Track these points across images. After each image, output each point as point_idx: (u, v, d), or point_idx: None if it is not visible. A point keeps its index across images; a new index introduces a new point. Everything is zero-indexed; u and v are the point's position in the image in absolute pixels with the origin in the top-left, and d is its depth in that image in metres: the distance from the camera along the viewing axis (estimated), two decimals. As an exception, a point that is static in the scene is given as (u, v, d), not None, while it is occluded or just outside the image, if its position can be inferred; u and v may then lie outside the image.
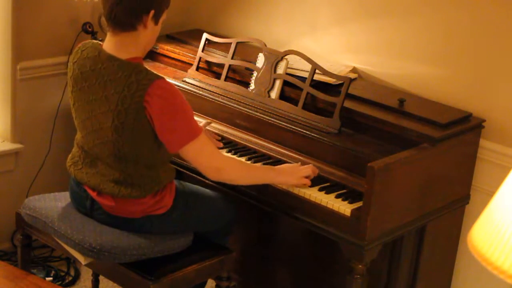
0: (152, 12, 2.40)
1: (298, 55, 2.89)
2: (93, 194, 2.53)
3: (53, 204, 2.67)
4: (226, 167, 2.51)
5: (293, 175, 2.61)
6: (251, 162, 2.78)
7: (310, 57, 2.86)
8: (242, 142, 2.96)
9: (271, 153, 2.87)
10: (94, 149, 2.49)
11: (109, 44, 2.44)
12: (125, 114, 2.35)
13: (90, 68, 2.42)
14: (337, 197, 2.56)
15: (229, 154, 2.86)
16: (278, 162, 2.79)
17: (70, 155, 2.62)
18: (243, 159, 2.82)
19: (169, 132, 2.38)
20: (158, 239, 2.53)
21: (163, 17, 2.48)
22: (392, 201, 2.50)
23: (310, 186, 2.62)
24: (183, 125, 2.39)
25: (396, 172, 2.47)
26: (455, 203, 2.85)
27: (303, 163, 2.75)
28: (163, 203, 2.53)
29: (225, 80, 3.09)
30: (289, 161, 2.79)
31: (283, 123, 2.86)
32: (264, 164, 2.76)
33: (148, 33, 2.44)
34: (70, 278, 3.43)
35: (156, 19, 2.44)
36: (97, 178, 2.50)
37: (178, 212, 2.57)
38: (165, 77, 2.44)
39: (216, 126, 3.08)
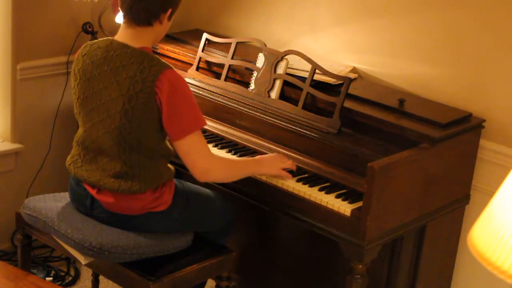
0: (169, 10, 2.49)
1: (298, 55, 2.89)
2: (92, 192, 2.54)
3: (53, 204, 2.67)
4: (213, 169, 2.53)
5: (272, 166, 2.66)
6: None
7: (310, 57, 2.86)
8: (242, 142, 2.96)
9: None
10: (98, 141, 2.50)
11: (122, 34, 2.51)
12: (136, 98, 2.40)
13: (101, 56, 2.48)
14: (337, 197, 2.56)
15: (229, 155, 2.86)
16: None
17: (69, 155, 2.63)
18: (243, 159, 2.82)
19: (176, 118, 2.42)
20: (158, 238, 2.53)
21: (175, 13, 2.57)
22: (392, 201, 2.50)
23: (310, 186, 2.62)
24: (190, 113, 2.45)
25: (396, 172, 2.47)
26: (455, 203, 2.85)
27: (303, 163, 2.76)
28: (162, 200, 2.54)
29: (225, 80, 3.09)
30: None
31: (283, 123, 2.86)
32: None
33: (161, 28, 2.53)
34: (70, 278, 3.43)
35: (170, 16, 2.53)
36: (97, 174, 2.51)
37: (177, 210, 2.58)
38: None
39: (216, 126, 3.08)
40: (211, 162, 2.52)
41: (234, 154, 2.86)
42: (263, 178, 2.69)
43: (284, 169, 2.68)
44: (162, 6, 2.47)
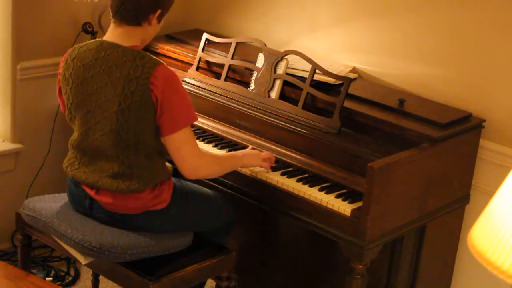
0: (158, 11, 2.50)
1: (298, 55, 2.89)
2: (91, 193, 2.54)
3: (52, 204, 2.67)
4: (203, 165, 2.55)
5: (254, 157, 2.72)
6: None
7: (310, 57, 2.86)
8: (242, 142, 2.96)
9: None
10: (95, 143, 2.50)
11: (112, 34, 2.52)
12: (131, 96, 2.40)
13: (93, 58, 2.48)
14: (337, 197, 2.56)
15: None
16: (277, 162, 2.79)
17: (65, 158, 2.63)
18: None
19: (170, 113, 2.43)
20: (158, 238, 2.53)
21: (166, 15, 2.57)
22: (392, 201, 2.50)
23: (310, 186, 2.62)
24: (183, 108, 2.46)
25: (396, 172, 2.47)
26: (455, 203, 2.85)
27: (303, 163, 2.76)
28: (161, 198, 2.54)
29: (225, 80, 3.09)
30: (289, 160, 2.79)
31: (283, 123, 2.86)
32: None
33: (150, 29, 2.54)
34: (70, 278, 3.43)
35: (160, 17, 2.54)
36: (95, 175, 2.51)
37: (176, 209, 2.58)
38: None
39: (216, 126, 3.08)
40: (201, 158, 2.54)
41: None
42: (263, 178, 2.69)
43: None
44: (151, 6, 2.47)
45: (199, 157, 2.53)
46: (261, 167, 2.73)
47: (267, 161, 2.74)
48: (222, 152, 2.88)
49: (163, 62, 2.46)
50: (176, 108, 2.44)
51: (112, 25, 2.52)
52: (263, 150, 2.84)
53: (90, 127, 2.50)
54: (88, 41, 2.57)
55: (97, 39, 2.56)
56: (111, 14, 2.51)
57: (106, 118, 2.45)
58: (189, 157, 2.50)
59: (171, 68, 2.50)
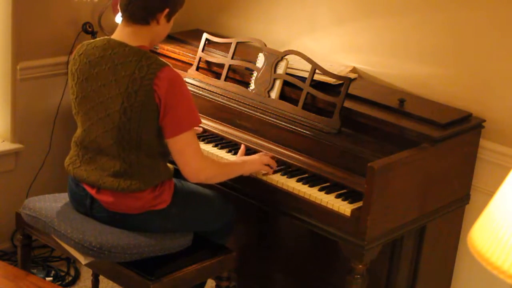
0: (166, 10, 2.50)
1: (298, 55, 2.89)
2: (92, 192, 2.54)
3: (53, 204, 2.67)
4: (205, 169, 2.54)
5: (255, 163, 2.70)
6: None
7: (310, 57, 2.86)
8: (242, 142, 2.96)
9: (271, 153, 2.87)
10: (97, 140, 2.50)
11: (120, 33, 2.52)
12: (135, 96, 2.40)
13: (99, 55, 2.48)
14: (337, 197, 2.56)
15: (229, 155, 2.86)
16: (277, 162, 2.79)
17: (68, 156, 2.64)
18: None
19: (174, 115, 2.43)
20: (158, 238, 2.53)
21: (176, 15, 2.57)
22: (392, 201, 2.50)
23: (310, 186, 2.62)
24: (187, 111, 2.46)
25: (396, 172, 2.47)
26: (455, 203, 2.85)
27: (303, 163, 2.76)
28: (162, 199, 2.54)
29: (225, 80, 3.09)
30: (289, 160, 2.80)
31: (283, 123, 2.87)
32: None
33: (159, 28, 2.53)
34: (70, 278, 3.43)
35: (169, 16, 2.54)
36: (96, 174, 2.52)
37: (177, 209, 2.58)
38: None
39: (216, 126, 3.08)
40: (204, 162, 2.54)
41: (234, 155, 2.86)
42: (264, 178, 2.70)
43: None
44: (159, 5, 2.48)
45: (201, 160, 2.53)
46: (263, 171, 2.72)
47: (267, 164, 2.72)
48: (223, 152, 2.89)
49: (169, 64, 2.46)
50: (180, 111, 2.44)
51: (120, 23, 2.53)
52: (263, 151, 2.84)
53: (93, 123, 2.51)
54: (97, 38, 2.58)
55: (105, 36, 2.56)
56: (120, 12, 2.52)
57: (108, 115, 2.46)
58: (192, 160, 2.50)
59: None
